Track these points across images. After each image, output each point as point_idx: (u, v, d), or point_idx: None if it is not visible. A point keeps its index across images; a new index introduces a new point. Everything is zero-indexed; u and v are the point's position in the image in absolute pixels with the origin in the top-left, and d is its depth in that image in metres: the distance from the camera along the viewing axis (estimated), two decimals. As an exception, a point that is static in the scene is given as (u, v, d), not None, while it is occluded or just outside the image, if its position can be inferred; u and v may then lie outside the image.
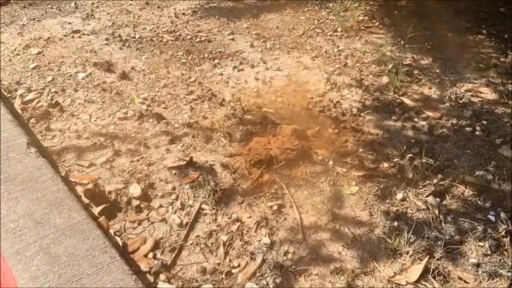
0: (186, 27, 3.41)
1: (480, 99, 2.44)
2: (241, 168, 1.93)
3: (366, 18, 3.48)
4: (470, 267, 1.51)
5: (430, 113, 2.31)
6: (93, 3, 3.91)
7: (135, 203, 1.77)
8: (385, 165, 1.95)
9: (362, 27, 3.34)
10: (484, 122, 2.24)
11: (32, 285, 1.37)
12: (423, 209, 1.73)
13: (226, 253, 1.56)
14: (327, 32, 3.31)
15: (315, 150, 2.03)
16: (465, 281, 1.46)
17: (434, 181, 1.85)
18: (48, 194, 1.72)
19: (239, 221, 1.68)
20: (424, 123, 2.24)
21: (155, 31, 3.34)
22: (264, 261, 1.53)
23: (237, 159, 1.98)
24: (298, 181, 1.87)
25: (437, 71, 2.73)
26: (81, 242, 1.52)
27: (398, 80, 2.51)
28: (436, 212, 1.71)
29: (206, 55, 2.95)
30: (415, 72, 2.70)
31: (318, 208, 1.73)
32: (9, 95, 2.49)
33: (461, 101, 2.41)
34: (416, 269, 1.48)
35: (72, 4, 3.88)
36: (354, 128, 2.19)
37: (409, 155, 2.00)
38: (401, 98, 2.44)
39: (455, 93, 2.47)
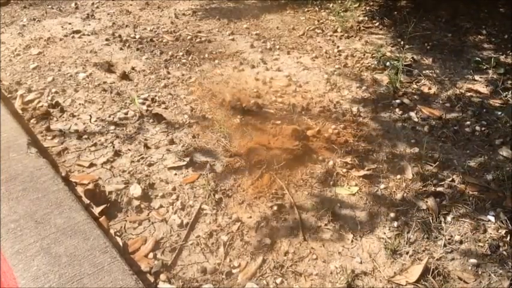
0: (186, 28, 3.41)
1: (480, 99, 2.44)
2: (241, 169, 1.93)
3: (366, 18, 3.48)
4: (470, 268, 1.51)
5: (430, 113, 2.31)
6: (93, 4, 3.92)
7: (136, 203, 1.77)
8: (385, 165, 1.95)
9: (362, 28, 3.35)
10: (484, 122, 2.24)
11: (33, 285, 1.37)
12: (423, 209, 1.73)
13: (226, 253, 1.56)
14: (327, 32, 3.32)
15: (315, 151, 2.03)
16: (465, 281, 1.47)
17: (434, 181, 1.85)
18: (48, 194, 1.72)
19: (239, 221, 1.68)
20: (424, 123, 2.24)
21: (155, 31, 3.34)
22: (264, 261, 1.53)
23: (237, 160, 1.98)
24: (298, 181, 1.87)
25: (437, 71, 2.73)
26: (81, 242, 1.52)
27: (398, 80, 2.51)
28: (436, 212, 1.71)
29: (206, 55, 2.96)
30: (415, 72, 2.71)
31: (318, 208, 1.74)
32: (9, 95, 2.49)
33: (461, 101, 2.41)
34: (416, 269, 1.48)
35: (73, 4, 3.89)
36: (354, 128, 2.19)
37: (409, 155, 2.01)
38: (401, 98, 2.45)
39: (455, 94, 2.48)
